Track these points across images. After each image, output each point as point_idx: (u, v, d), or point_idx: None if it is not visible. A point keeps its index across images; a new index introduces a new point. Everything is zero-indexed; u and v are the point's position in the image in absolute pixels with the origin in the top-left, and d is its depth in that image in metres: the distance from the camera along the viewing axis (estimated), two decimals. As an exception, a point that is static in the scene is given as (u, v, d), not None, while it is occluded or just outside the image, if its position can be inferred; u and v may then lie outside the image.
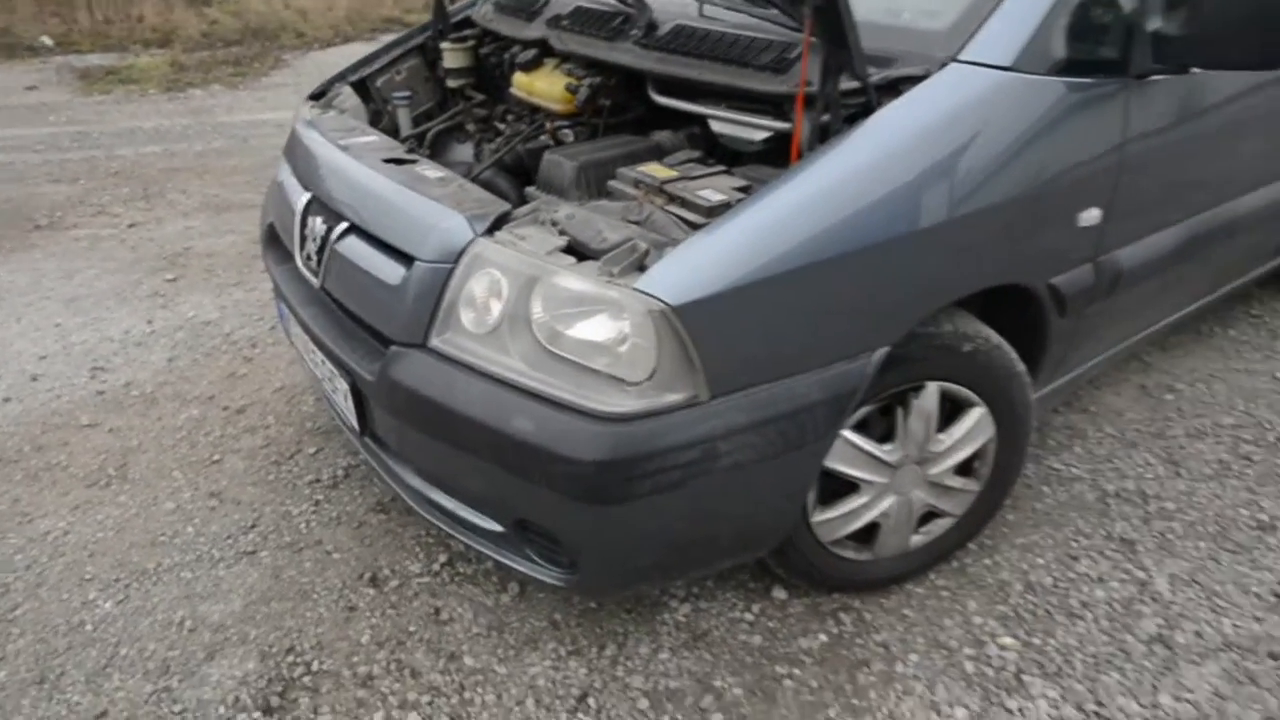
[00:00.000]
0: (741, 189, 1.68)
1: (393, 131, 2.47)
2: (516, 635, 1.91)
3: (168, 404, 2.77)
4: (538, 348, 1.51)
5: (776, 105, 1.77)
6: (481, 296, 1.57)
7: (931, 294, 1.67)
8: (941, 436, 1.84)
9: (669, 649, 1.87)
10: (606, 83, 2.16)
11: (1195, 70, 1.84)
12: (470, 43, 2.60)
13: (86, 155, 5.42)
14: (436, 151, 2.42)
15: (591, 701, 1.76)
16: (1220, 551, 2.12)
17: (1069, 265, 1.90)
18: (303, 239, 2.01)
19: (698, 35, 1.95)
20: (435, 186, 1.79)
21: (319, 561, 2.11)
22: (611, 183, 1.85)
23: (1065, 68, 1.69)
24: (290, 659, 1.86)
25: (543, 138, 2.24)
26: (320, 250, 1.91)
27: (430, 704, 1.76)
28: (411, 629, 1.93)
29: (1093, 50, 1.74)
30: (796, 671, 1.82)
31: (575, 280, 1.49)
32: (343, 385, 1.85)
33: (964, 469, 1.92)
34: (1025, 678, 1.80)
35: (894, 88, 1.62)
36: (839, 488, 1.79)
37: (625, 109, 2.22)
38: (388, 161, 1.93)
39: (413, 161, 1.94)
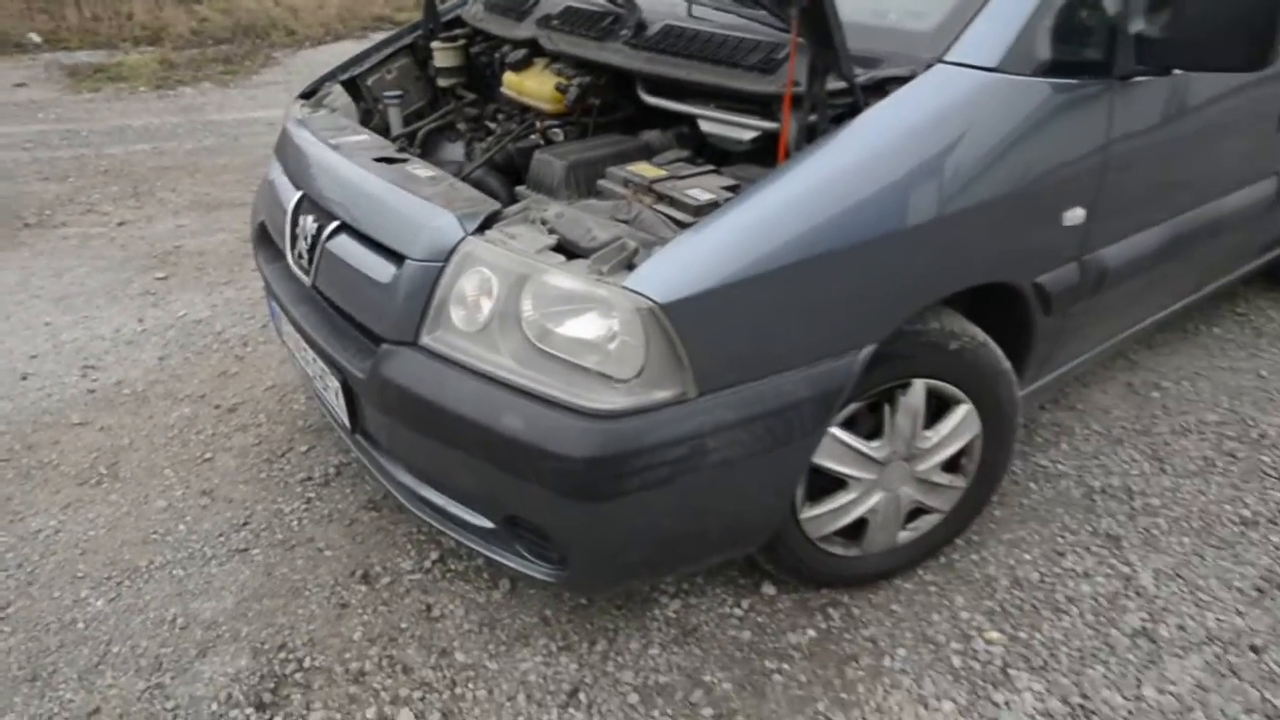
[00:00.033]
0: (730, 188, 1.69)
1: (383, 130, 2.47)
2: (508, 631, 1.92)
3: (159, 402, 2.77)
4: (528, 345, 1.52)
5: (764, 105, 1.78)
6: (472, 294, 1.58)
7: (918, 292, 1.69)
8: (928, 433, 1.85)
9: (659, 644, 1.89)
10: (596, 82, 2.17)
11: (1178, 72, 1.86)
12: (461, 42, 2.61)
13: (76, 153, 5.40)
14: (427, 150, 2.42)
15: (582, 696, 1.77)
16: (1204, 547, 2.14)
17: (1054, 264, 1.92)
18: (294, 237, 2.01)
19: (686, 35, 1.96)
20: (426, 185, 1.79)
21: (311, 559, 2.12)
22: (601, 182, 1.86)
23: (1050, 69, 1.71)
24: (282, 655, 1.87)
25: (533, 137, 2.25)
26: (311, 249, 1.92)
27: (422, 700, 1.77)
28: (403, 625, 1.94)
29: (1077, 52, 1.76)
30: (785, 666, 1.84)
31: (565, 278, 1.50)
32: (334, 383, 1.86)
33: (951, 465, 1.94)
34: (1011, 671, 1.82)
35: (880, 88, 1.63)
36: (827, 484, 1.81)
37: (615, 108, 2.23)
38: (379, 160, 1.94)
39: (403, 160, 1.95)
